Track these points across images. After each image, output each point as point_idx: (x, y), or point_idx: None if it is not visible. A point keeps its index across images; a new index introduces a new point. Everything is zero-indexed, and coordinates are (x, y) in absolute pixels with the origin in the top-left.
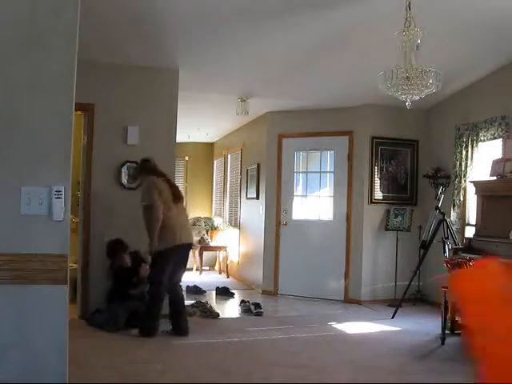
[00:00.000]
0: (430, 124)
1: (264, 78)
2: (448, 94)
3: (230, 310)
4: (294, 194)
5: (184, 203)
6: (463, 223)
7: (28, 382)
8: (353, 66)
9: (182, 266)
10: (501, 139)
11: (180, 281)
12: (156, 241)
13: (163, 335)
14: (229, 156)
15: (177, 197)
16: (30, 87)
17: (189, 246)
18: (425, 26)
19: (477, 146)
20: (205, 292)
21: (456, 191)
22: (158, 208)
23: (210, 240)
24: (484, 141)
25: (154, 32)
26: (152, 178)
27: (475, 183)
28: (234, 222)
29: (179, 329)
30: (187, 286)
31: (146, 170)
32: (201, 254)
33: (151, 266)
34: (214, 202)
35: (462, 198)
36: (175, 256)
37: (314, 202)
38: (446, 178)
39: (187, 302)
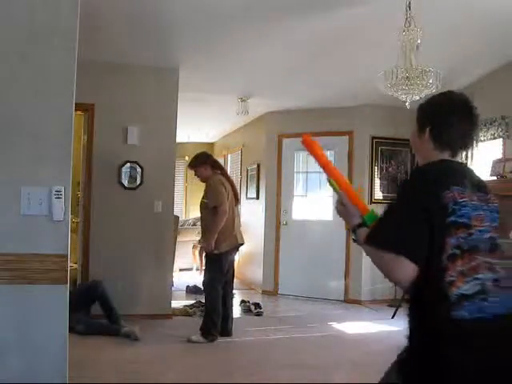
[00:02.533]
0: None
1: (264, 78)
2: None
3: None
4: (294, 194)
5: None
6: None
7: (28, 382)
8: (353, 65)
9: (232, 265)
10: (501, 139)
11: (232, 280)
12: (213, 244)
13: (162, 335)
14: (229, 156)
15: (237, 198)
16: (30, 87)
17: (239, 246)
18: (425, 26)
19: (477, 145)
20: None
21: None
22: (224, 214)
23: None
24: (484, 141)
25: (154, 32)
26: (219, 177)
27: None
28: None
29: (226, 330)
30: (187, 286)
31: (210, 162)
32: (201, 254)
33: (209, 268)
34: None
35: None
36: (231, 257)
37: (314, 202)
38: None
39: (187, 302)
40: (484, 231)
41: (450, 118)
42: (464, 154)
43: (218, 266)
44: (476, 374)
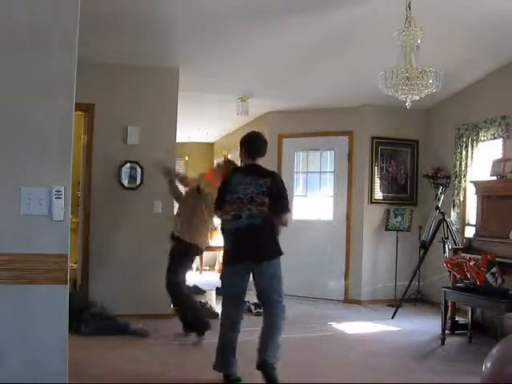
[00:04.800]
0: (430, 124)
1: (264, 78)
2: (448, 93)
3: None
4: (294, 194)
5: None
6: (463, 223)
7: (28, 382)
8: (353, 65)
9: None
10: (501, 139)
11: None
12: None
13: (162, 335)
14: (229, 156)
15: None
16: (30, 87)
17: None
18: (425, 26)
19: (477, 145)
20: (205, 292)
21: (456, 191)
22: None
23: (210, 240)
24: (484, 141)
25: (154, 32)
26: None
27: (475, 183)
28: None
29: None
30: (187, 286)
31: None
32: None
33: (179, 260)
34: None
35: (461, 198)
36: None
37: (314, 202)
38: (446, 178)
39: None
40: (248, 194)
41: (247, 143)
42: (464, 153)
43: (187, 262)
44: (231, 240)
